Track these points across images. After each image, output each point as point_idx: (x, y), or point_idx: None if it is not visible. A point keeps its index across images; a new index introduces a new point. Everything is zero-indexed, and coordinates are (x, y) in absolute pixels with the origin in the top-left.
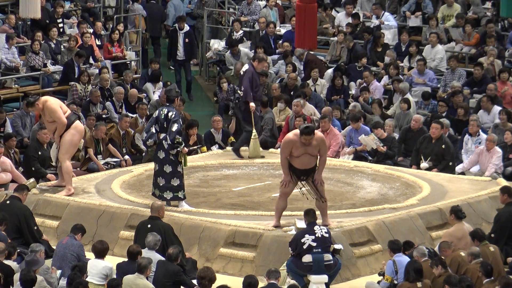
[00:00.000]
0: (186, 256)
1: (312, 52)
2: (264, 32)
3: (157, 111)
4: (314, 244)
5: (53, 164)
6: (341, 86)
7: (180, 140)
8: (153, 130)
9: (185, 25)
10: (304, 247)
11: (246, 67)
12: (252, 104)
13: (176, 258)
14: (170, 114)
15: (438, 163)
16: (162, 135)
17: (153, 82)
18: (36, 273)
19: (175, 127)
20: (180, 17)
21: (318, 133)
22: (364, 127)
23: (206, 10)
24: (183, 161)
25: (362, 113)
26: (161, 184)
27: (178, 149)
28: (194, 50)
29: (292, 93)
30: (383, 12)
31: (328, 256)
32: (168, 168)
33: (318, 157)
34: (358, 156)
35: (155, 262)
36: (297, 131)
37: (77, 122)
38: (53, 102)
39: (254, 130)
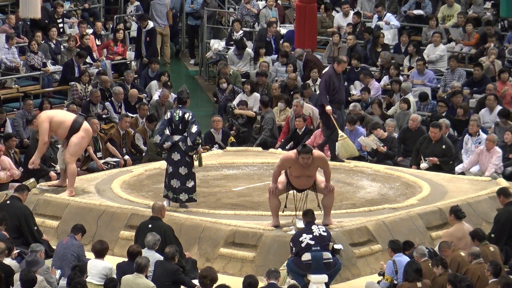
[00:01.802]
0: (186, 256)
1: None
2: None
3: (169, 113)
4: (312, 242)
5: (58, 168)
6: None
7: (200, 141)
8: (167, 132)
9: (149, 22)
10: (303, 245)
11: (326, 69)
12: (328, 108)
13: (173, 257)
14: (186, 115)
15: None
16: (176, 137)
17: (158, 80)
18: (36, 273)
19: (194, 128)
20: (141, 15)
21: (316, 152)
22: (359, 128)
23: (207, 10)
24: (198, 161)
25: (361, 115)
26: (176, 186)
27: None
28: (155, 50)
29: (292, 93)
30: (385, 12)
31: (327, 254)
32: (183, 170)
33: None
34: (358, 156)
35: (154, 262)
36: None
37: (85, 124)
38: (43, 119)
39: (340, 132)
